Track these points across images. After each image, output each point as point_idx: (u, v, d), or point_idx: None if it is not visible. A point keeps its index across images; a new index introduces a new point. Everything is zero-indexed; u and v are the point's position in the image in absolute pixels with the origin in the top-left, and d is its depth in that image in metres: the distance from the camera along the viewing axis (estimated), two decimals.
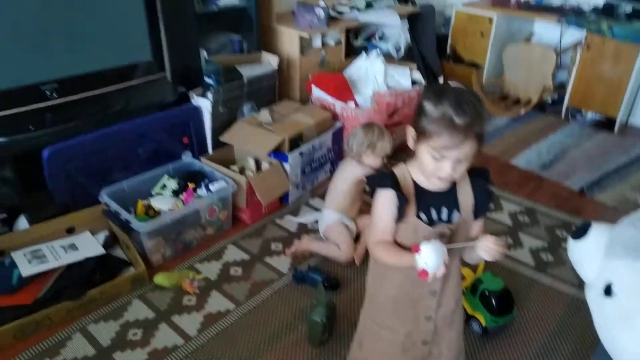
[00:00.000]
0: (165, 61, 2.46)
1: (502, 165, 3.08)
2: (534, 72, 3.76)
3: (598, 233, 1.27)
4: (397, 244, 1.19)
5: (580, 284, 2.09)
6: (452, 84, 1.11)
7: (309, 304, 1.95)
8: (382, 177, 1.16)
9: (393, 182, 1.14)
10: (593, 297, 1.23)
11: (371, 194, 1.21)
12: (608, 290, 1.17)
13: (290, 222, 2.45)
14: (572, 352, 1.80)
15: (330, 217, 2.24)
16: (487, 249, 1.10)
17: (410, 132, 1.13)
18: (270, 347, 1.78)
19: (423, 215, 1.16)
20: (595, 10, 3.60)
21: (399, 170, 1.19)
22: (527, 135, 3.47)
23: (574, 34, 3.69)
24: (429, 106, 1.07)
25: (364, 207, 2.35)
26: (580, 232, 1.29)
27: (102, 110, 2.26)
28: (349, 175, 2.22)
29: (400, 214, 1.14)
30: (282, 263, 2.18)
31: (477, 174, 1.21)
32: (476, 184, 1.20)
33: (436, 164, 1.09)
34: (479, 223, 1.25)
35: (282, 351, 1.76)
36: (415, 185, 1.17)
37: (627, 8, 3.56)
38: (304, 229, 2.41)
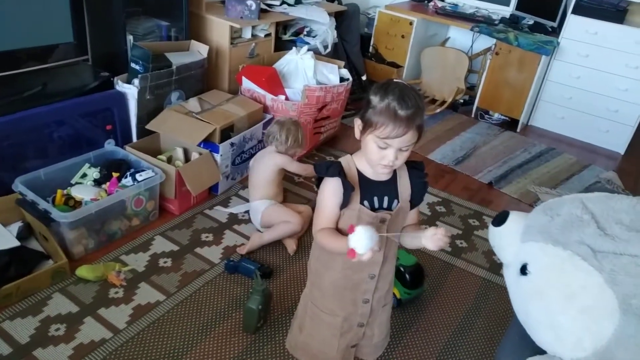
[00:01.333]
0: (88, 44, 2.33)
1: (421, 160, 3.26)
2: (448, 74, 4.02)
3: (515, 220, 1.42)
4: (339, 230, 1.25)
5: (490, 267, 2.32)
6: (396, 80, 1.19)
7: (243, 293, 1.96)
8: (329, 166, 1.21)
9: (339, 171, 1.20)
10: (510, 277, 1.38)
11: (317, 182, 1.27)
12: (524, 270, 1.31)
13: (220, 213, 2.43)
14: (485, 327, 1.98)
15: (261, 205, 2.26)
16: (435, 239, 1.18)
17: (357, 123, 1.20)
18: (203, 337, 1.77)
19: (366, 203, 1.23)
20: (503, 20, 3.92)
21: (345, 160, 1.25)
22: (442, 132, 3.71)
23: (483, 41, 3.99)
24: (375, 99, 1.14)
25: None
26: (500, 220, 1.44)
27: (17, 93, 2.10)
28: (271, 164, 2.27)
29: (346, 201, 1.20)
30: (213, 253, 2.17)
31: (414, 166, 1.31)
32: (413, 176, 1.30)
33: (381, 152, 1.16)
34: (414, 211, 1.35)
35: (216, 340, 1.76)
36: (360, 174, 1.24)
37: (530, 21, 3.93)
38: (234, 220, 2.40)
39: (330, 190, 1.21)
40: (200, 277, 2.03)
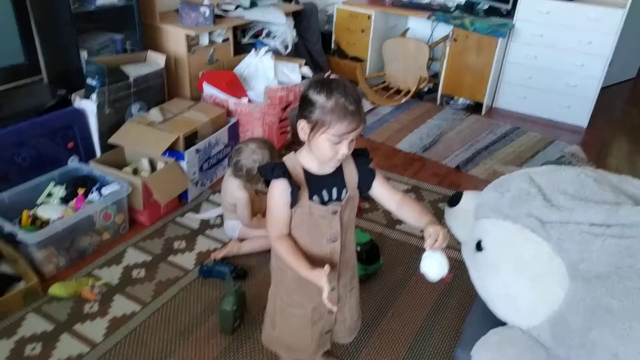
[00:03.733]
0: (41, 63, 2.32)
1: (389, 150, 3.33)
2: (410, 64, 4.08)
3: (468, 199, 1.48)
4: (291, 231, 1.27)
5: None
6: (332, 75, 1.19)
7: (218, 296, 1.98)
8: (273, 168, 1.22)
9: (284, 171, 1.21)
10: (467, 254, 1.43)
11: (266, 182, 1.29)
12: (479, 246, 1.37)
13: (191, 220, 2.44)
14: (458, 305, 2.04)
15: (238, 225, 2.26)
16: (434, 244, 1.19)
17: (303, 126, 1.19)
18: (181, 342, 1.78)
19: (316, 198, 1.25)
20: (459, 6, 4.00)
21: (288, 159, 1.27)
22: (408, 121, 3.77)
23: (443, 29, 4.06)
24: (320, 99, 1.13)
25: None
26: (454, 200, 1.49)
27: None
28: (231, 196, 2.18)
29: (294, 200, 1.22)
30: (187, 260, 2.18)
31: (359, 153, 1.34)
32: (359, 163, 1.32)
33: (334, 148, 1.17)
34: (382, 186, 1.34)
35: (195, 344, 1.78)
36: (305, 172, 1.25)
37: (485, 5, 4.01)
38: (206, 225, 2.42)
39: (278, 192, 1.23)
40: (175, 284, 2.05)
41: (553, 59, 3.74)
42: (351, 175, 1.30)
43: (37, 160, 2.29)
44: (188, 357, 1.73)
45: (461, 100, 4.11)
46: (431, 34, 4.21)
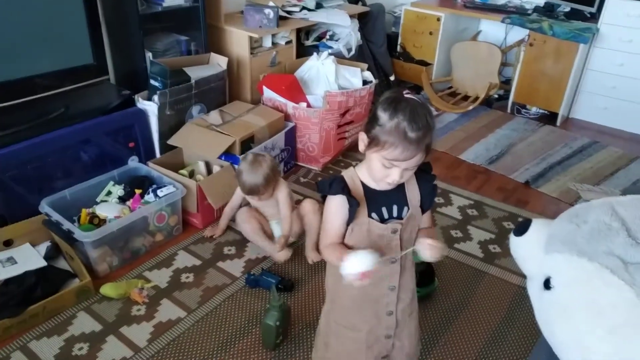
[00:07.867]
0: (109, 64, 2.37)
1: (452, 161, 3.15)
2: (480, 69, 3.87)
3: (538, 229, 1.31)
4: (349, 246, 1.20)
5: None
6: (406, 94, 1.12)
7: (263, 308, 1.93)
8: (331, 184, 1.17)
9: (342, 187, 1.16)
10: (533, 291, 1.28)
11: (323, 197, 1.22)
12: (547, 284, 1.21)
13: None
14: (518, 339, 1.86)
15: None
16: (433, 250, 1.15)
17: (362, 138, 1.14)
18: (222, 354, 1.75)
19: (375, 215, 1.19)
20: (537, 9, 3.74)
21: (348, 174, 1.21)
22: (475, 130, 3.57)
23: (518, 32, 3.81)
24: (384, 117, 1.08)
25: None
26: (521, 229, 1.33)
27: (40, 116, 2.15)
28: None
29: (352, 217, 1.16)
30: (235, 267, 2.15)
31: (422, 168, 1.24)
32: (421, 179, 1.24)
33: (385, 171, 1.12)
34: (427, 214, 1.29)
35: (236, 357, 1.74)
36: (365, 187, 1.19)
37: (566, 8, 3.72)
38: None
39: (335, 207, 1.18)
40: (222, 291, 2.02)
41: None
42: (413, 192, 1.22)
43: (99, 159, 2.34)
44: None
45: (534, 110, 3.85)
46: (505, 38, 3.97)
